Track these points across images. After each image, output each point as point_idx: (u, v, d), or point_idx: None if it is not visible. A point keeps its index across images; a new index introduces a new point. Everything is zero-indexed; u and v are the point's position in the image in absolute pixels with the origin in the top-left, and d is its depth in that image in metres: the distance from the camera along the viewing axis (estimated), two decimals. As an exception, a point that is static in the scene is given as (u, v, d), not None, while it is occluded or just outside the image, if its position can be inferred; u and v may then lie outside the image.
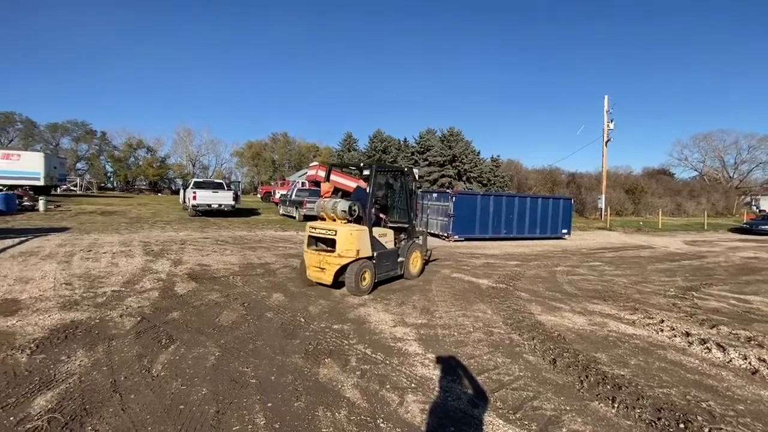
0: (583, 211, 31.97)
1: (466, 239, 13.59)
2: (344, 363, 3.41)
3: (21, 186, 21.80)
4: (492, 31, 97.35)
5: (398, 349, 3.78)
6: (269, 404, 2.69)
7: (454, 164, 35.66)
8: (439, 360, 3.59)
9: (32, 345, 3.44)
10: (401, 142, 40.80)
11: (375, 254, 5.76)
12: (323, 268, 5.53)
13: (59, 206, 18.16)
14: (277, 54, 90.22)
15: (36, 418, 2.41)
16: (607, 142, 28.90)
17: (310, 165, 33.77)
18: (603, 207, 27.71)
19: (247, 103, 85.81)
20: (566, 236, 16.24)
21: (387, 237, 6.21)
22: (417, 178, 7.30)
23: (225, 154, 66.42)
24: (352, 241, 5.38)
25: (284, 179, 40.56)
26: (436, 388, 3.06)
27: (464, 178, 35.55)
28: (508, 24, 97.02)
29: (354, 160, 39.11)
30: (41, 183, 24.22)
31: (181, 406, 2.61)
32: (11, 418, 2.40)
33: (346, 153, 41.58)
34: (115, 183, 52.03)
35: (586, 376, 3.39)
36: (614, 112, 28.80)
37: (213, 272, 6.73)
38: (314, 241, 5.86)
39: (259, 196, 38.23)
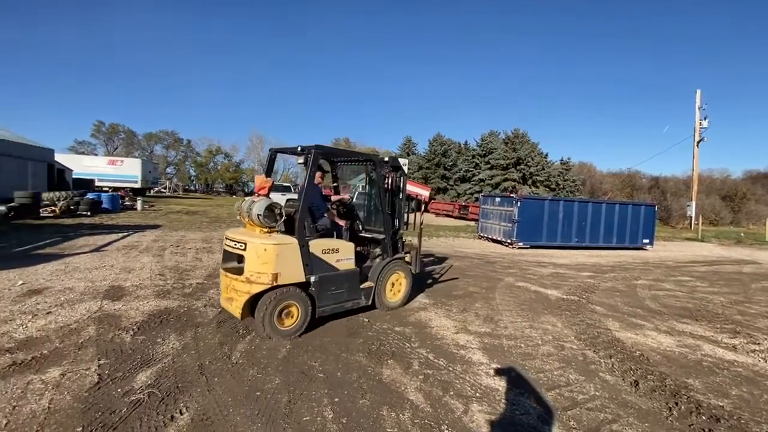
0: (669, 220, 28.76)
1: (532, 247, 12.92)
2: (407, 366, 3.42)
3: (123, 188, 25.18)
4: (556, 23, 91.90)
5: (461, 357, 3.71)
6: (336, 399, 2.79)
7: (518, 167, 34.18)
8: (505, 371, 3.45)
9: (134, 327, 3.93)
10: (461, 145, 40.09)
11: (314, 279, 3.98)
12: (231, 297, 3.87)
13: (153, 206, 20.57)
14: (339, 60, 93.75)
15: (138, 391, 2.75)
16: (698, 142, 25.78)
17: (371, 169, 34.51)
18: (693, 215, 24.70)
19: (311, 110, 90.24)
20: (648, 247, 14.71)
21: (340, 253, 4.27)
22: (400, 170, 5.23)
23: (292, 158, 70.15)
24: (267, 259, 3.64)
25: (345, 183, 41.89)
26: (503, 400, 2.95)
27: (530, 182, 33.91)
28: (577, 10, 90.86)
29: (411, 163, 39.26)
30: (138, 185, 27.70)
31: (258, 393, 2.81)
32: (119, 390, 2.76)
33: (405, 157, 41.81)
34: (197, 186, 57.74)
35: (676, 404, 3.04)
36: (708, 109, 25.59)
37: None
38: (229, 256, 4.15)
39: (321, 198, 39.69)
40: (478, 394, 3.01)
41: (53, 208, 14.05)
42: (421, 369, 3.38)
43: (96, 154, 44.16)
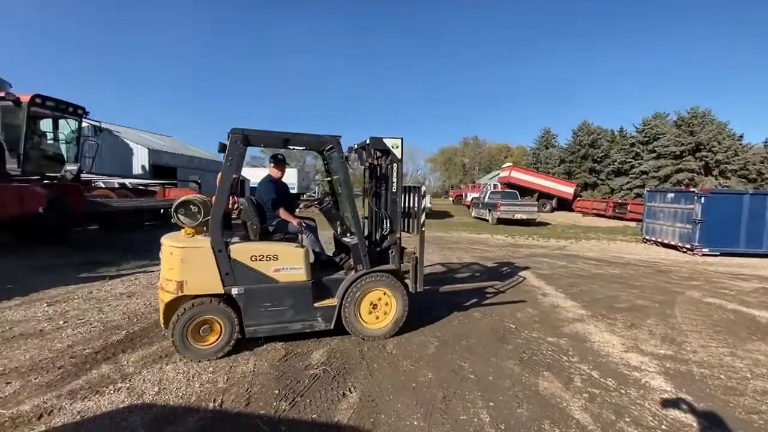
0: None
1: (722, 254, 10.23)
2: (567, 381, 3.12)
3: (284, 194, 30.22)
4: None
5: (635, 380, 3.18)
6: (491, 403, 2.73)
7: (697, 155, 27.65)
8: (699, 405, 2.81)
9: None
10: (615, 133, 34.56)
11: (237, 291, 3.26)
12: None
13: (309, 206, 23.87)
14: (464, 56, 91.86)
15: (315, 367, 3.21)
16: None
17: (503, 167, 32.88)
18: None
19: (441, 111, 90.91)
20: None
21: (281, 261, 3.37)
22: (390, 155, 3.89)
23: (420, 160, 71.93)
24: (172, 265, 3.17)
25: (473, 182, 40.88)
26: (701, 441, 2.41)
27: (715, 172, 27.05)
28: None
29: (550, 157, 35.65)
30: (295, 191, 32.66)
31: (413, 384, 2.96)
32: (300, 364, 3.27)
33: (543, 151, 38.32)
34: (339, 190, 64.59)
35: None
36: None
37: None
38: None
39: (450, 199, 39.78)
40: (663, 427, 2.53)
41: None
42: (584, 386, 3.03)
43: (264, 167, 53.72)
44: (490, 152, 63.04)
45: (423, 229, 4.06)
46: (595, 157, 32.58)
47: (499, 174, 32.04)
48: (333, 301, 3.61)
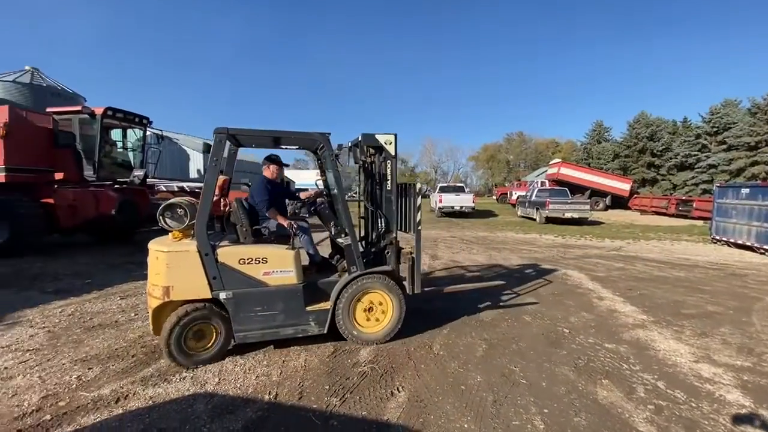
0: None
1: (811, 255, 9.07)
2: (628, 390, 2.91)
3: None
4: None
5: (708, 393, 2.91)
6: (545, 410, 2.62)
7: (778, 145, 24.73)
8: (790, 425, 2.51)
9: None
10: (677, 124, 31.91)
11: (226, 295, 3.17)
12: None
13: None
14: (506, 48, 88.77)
15: (363, 364, 3.25)
16: None
17: (550, 163, 31.48)
18: None
19: (481, 109, 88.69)
20: None
21: (271, 263, 3.29)
22: (383, 152, 3.79)
23: (462, 159, 70.80)
24: (159, 269, 3.10)
25: (519, 180, 39.42)
26: (792, 465, 2.15)
27: (800, 165, 24.14)
28: None
29: (603, 152, 33.51)
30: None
31: (462, 387, 2.91)
32: (348, 361, 3.33)
33: (595, 145, 36.20)
34: (380, 190, 65.05)
35: None
36: None
37: (466, 268, 7.26)
38: None
39: (494, 197, 38.67)
40: (745, 447, 2.29)
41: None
42: (649, 397, 2.82)
43: (308, 169, 55.24)
44: (536, 148, 60.53)
45: (419, 228, 3.94)
46: (655, 151, 30.20)
47: (546, 171, 30.69)
48: (326, 305, 3.49)
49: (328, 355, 3.41)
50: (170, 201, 3.28)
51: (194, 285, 3.11)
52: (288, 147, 3.81)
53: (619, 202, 25.08)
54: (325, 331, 3.47)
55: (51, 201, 7.72)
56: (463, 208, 18.75)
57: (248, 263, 3.23)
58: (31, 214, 7.37)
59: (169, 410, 2.56)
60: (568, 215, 16.02)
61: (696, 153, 27.90)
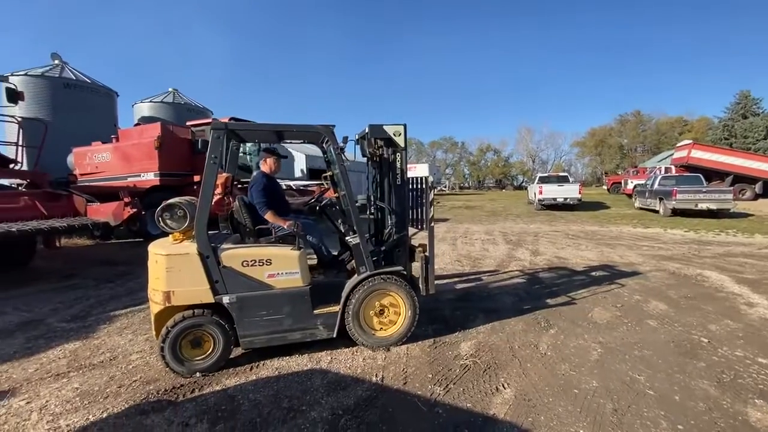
0: None
1: None
2: (798, 417, 2.39)
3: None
4: None
5: None
6: (680, 426, 2.30)
7: None
8: None
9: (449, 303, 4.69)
10: None
11: (229, 300, 3.00)
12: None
13: (438, 203, 24.17)
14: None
15: (464, 358, 3.25)
16: None
17: (678, 145, 26.86)
18: None
19: (587, 90, 79.67)
20: None
21: (275, 265, 3.09)
22: (392, 144, 3.48)
23: (564, 146, 64.79)
24: (158, 274, 2.95)
25: (636, 166, 34.47)
26: None
27: None
28: None
29: (751, 129, 27.29)
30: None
31: (575, 391, 2.72)
32: (449, 353, 3.35)
33: (739, 121, 29.82)
34: (469, 183, 63.34)
35: None
36: None
37: (572, 266, 6.68)
38: None
39: (605, 187, 34.50)
40: None
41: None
42: (830, 430, 2.27)
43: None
44: (657, 129, 52.19)
45: (432, 224, 3.68)
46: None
47: (672, 155, 26.30)
48: (334, 308, 3.29)
49: (429, 345, 3.48)
50: (169, 201, 3.16)
51: (196, 289, 2.96)
52: (292, 141, 3.73)
53: (774, 189, 20.25)
54: (335, 336, 3.30)
55: (193, 199, 9.31)
56: (568, 200, 17.09)
57: (251, 265, 3.06)
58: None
59: (291, 381, 2.91)
60: (702, 206, 13.49)
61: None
